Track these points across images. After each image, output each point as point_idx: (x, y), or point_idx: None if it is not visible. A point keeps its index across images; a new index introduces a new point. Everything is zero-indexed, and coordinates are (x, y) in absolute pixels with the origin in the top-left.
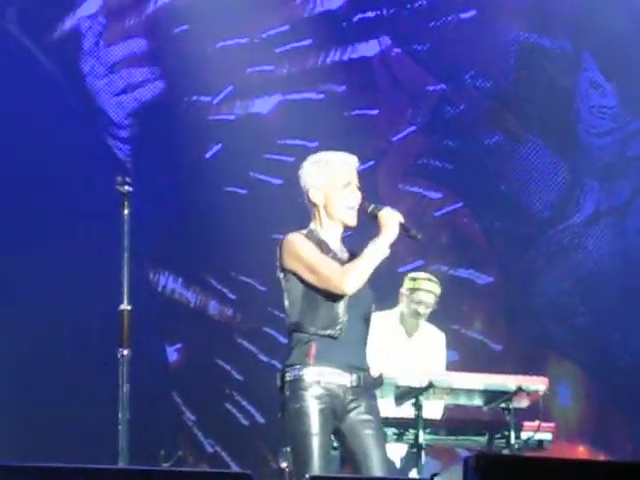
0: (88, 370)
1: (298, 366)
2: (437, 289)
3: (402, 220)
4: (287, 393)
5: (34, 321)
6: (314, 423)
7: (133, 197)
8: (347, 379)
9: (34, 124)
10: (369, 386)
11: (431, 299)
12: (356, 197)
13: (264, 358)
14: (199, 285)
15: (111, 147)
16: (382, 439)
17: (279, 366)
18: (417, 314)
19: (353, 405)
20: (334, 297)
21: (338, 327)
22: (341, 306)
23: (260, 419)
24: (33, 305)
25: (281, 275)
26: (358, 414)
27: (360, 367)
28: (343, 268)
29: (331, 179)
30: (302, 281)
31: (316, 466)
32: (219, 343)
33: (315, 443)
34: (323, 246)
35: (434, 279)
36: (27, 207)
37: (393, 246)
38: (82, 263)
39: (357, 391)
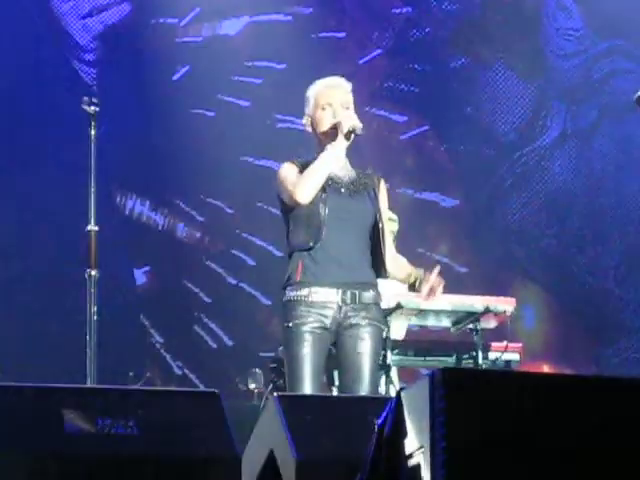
0: (57, 291)
1: (289, 287)
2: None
3: (349, 124)
4: (282, 314)
5: (3, 242)
6: (304, 343)
7: (100, 121)
8: (338, 297)
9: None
10: (368, 302)
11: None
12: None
13: (232, 280)
14: (167, 208)
15: (77, 70)
16: (374, 360)
17: (247, 289)
18: None
19: (349, 322)
20: (312, 211)
21: (318, 239)
22: (319, 219)
23: (228, 342)
24: (2, 226)
25: (279, 205)
26: (353, 332)
27: (356, 282)
28: (297, 178)
29: (313, 104)
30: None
31: (307, 386)
32: (187, 265)
33: (305, 363)
34: None
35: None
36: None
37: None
38: (50, 185)
39: (353, 307)
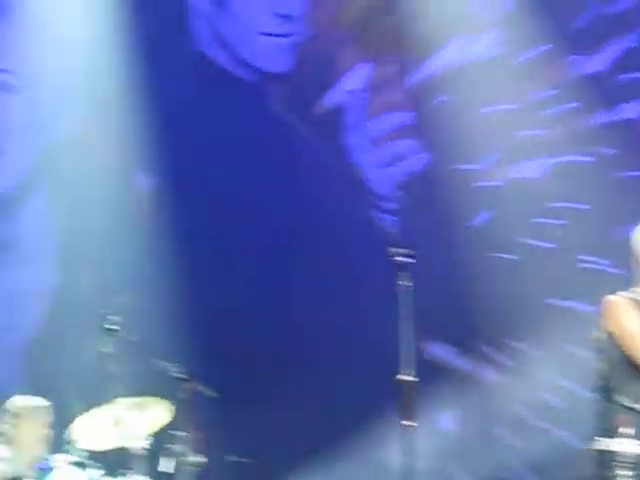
0: (367, 443)
1: (608, 436)
2: None
3: None
4: (599, 462)
5: (315, 389)
6: None
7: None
8: None
9: (303, 200)
10: None
11: None
12: None
13: (545, 425)
14: (472, 353)
15: (379, 220)
16: None
17: (561, 434)
18: None
19: None
20: None
21: None
22: None
23: None
24: (317, 373)
25: (599, 335)
26: None
27: None
28: None
29: None
30: (618, 347)
31: None
32: (495, 411)
33: None
34: None
35: None
36: (306, 280)
37: None
38: (358, 335)
39: None
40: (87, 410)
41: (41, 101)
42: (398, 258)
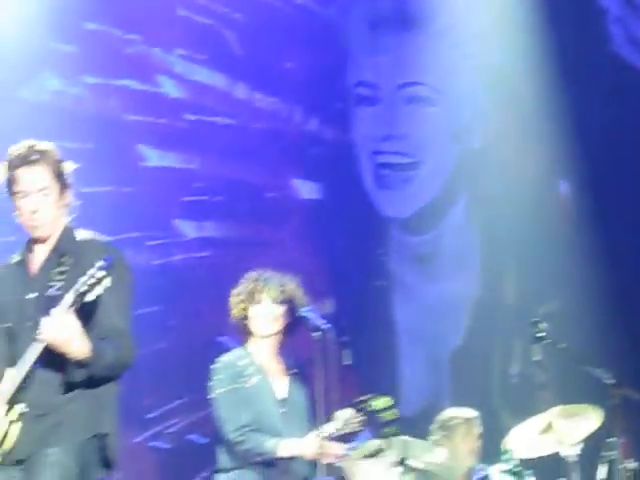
0: None
1: None
2: None
3: None
4: None
5: None
6: None
7: None
8: None
9: None
10: None
11: None
12: None
13: None
14: None
15: None
16: None
17: None
18: None
19: None
20: None
21: None
22: None
23: None
24: None
25: None
26: None
27: None
28: None
29: None
30: None
31: None
32: None
33: None
34: None
35: None
36: None
37: None
38: None
39: None
40: (514, 419)
41: (456, 112)
42: None
